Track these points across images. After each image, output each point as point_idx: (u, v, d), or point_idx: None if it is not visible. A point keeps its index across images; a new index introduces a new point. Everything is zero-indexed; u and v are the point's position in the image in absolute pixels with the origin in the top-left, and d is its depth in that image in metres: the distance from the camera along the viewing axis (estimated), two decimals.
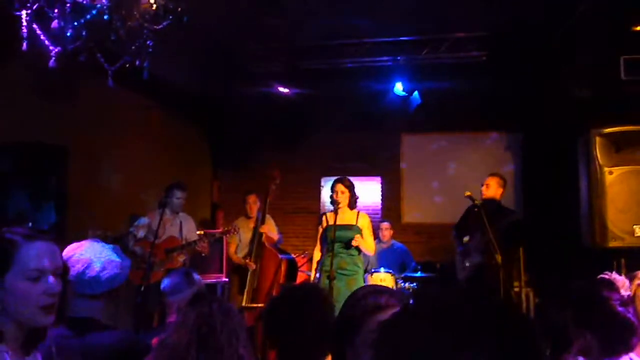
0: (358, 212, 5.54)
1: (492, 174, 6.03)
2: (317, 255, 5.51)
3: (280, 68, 7.20)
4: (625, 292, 2.17)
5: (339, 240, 5.26)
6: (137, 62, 3.47)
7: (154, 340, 2.51)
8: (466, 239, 5.88)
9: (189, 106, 8.03)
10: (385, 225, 7.49)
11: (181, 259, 5.90)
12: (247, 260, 6.15)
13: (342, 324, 1.69)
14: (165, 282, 3.28)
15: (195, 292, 3.07)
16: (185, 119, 8.23)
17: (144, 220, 5.94)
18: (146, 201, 6.27)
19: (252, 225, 6.42)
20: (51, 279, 1.66)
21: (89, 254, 2.28)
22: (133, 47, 3.40)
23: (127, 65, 3.44)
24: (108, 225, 5.74)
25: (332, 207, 5.49)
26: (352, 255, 5.36)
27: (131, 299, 5.30)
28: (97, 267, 2.27)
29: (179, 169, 7.60)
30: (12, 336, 1.63)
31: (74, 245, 2.32)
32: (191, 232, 6.08)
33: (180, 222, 5.98)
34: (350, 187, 5.45)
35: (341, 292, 4.91)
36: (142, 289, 5.21)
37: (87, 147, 5.99)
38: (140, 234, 5.85)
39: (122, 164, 6.43)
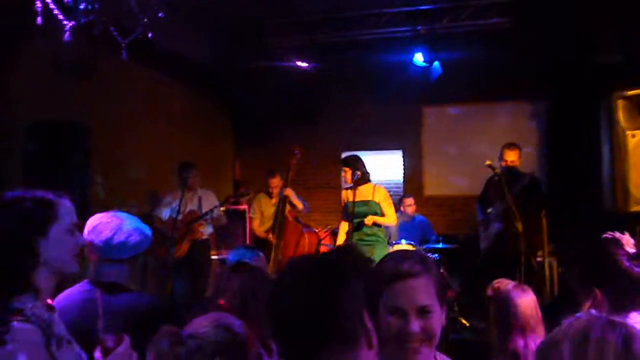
0: (374, 186, 5.58)
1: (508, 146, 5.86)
2: (344, 227, 5.66)
3: (299, 42, 7.15)
4: (630, 249, 2.13)
5: (357, 215, 5.39)
6: (150, 35, 3.49)
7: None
8: (490, 210, 5.82)
9: (209, 83, 8.04)
10: (408, 200, 7.41)
11: (203, 229, 6.11)
12: (270, 235, 6.24)
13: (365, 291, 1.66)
14: (231, 255, 3.36)
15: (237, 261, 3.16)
16: (206, 96, 8.26)
17: (166, 200, 6.14)
18: (167, 179, 6.37)
19: (274, 200, 6.50)
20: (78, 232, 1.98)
21: (115, 222, 2.38)
22: (145, 20, 3.42)
23: (140, 37, 3.46)
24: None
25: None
26: (372, 227, 5.49)
27: (158, 273, 5.48)
28: (124, 232, 2.37)
29: (200, 147, 7.66)
30: (46, 290, 1.84)
31: (100, 214, 2.43)
32: (211, 205, 6.20)
33: (200, 197, 6.16)
34: (351, 163, 5.50)
35: None
36: (167, 263, 5.45)
37: (108, 125, 6.05)
38: (165, 214, 6.05)
39: (143, 141, 6.50)
